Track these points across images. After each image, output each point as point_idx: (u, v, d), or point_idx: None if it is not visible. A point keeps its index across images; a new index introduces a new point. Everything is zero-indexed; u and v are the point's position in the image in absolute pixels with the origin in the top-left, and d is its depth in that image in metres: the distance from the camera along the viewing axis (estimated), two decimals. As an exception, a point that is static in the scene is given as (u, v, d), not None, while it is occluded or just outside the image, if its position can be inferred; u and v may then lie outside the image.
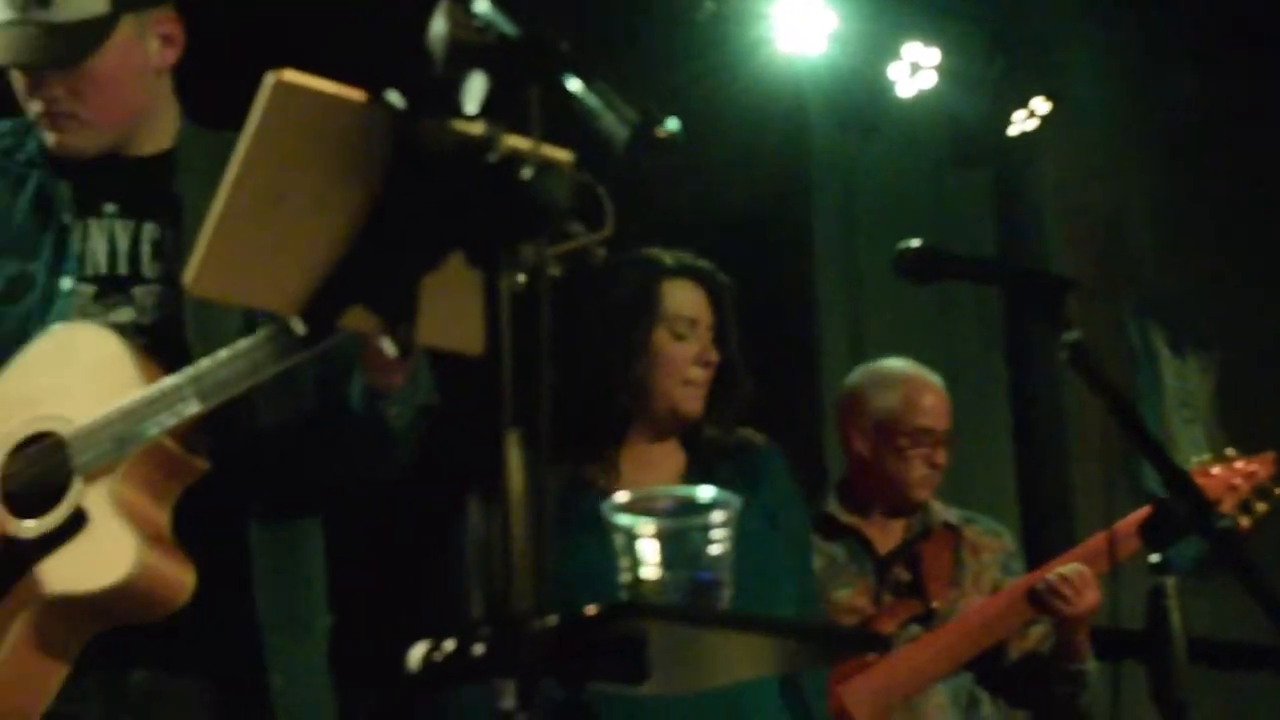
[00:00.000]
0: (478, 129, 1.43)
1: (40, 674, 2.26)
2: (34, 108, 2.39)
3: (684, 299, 2.84)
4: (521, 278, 1.41)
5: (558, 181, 1.42)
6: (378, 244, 1.50)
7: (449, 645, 1.34)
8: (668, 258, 2.88)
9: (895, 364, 3.58)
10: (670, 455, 2.86)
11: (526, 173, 1.41)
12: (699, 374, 2.82)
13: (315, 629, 2.49)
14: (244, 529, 2.37)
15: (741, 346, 2.89)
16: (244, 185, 1.57)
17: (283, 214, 1.57)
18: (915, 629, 3.37)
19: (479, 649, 1.31)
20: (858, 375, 3.61)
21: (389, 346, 1.61)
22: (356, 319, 1.58)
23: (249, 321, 2.32)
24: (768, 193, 4.95)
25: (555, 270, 1.51)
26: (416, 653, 1.37)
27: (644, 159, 1.46)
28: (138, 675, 2.35)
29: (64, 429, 2.25)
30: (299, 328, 1.67)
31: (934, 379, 3.52)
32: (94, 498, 2.22)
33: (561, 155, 1.57)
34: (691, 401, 2.82)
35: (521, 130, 1.45)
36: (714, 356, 2.83)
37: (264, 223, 1.59)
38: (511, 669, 1.28)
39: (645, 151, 1.45)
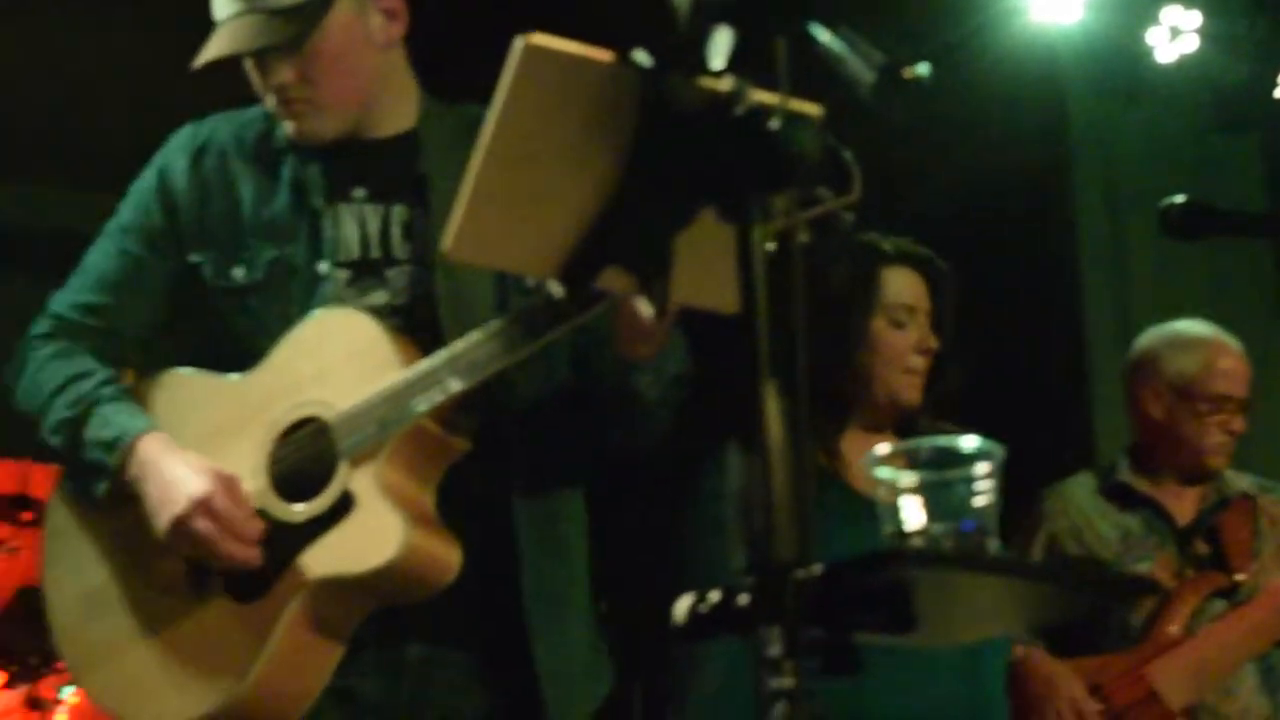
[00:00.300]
0: (724, 84, 1.42)
1: (317, 653, 2.31)
2: (269, 100, 2.43)
3: (903, 286, 2.81)
4: (771, 245, 1.40)
5: (805, 133, 1.40)
6: (630, 203, 1.49)
7: (714, 596, 1.33)
8: (886, 244, 2.84)
9: (1194, 326, 3.45)
10: None
11: (774, 123, 1.40)
12: (919, 362, 2.78)
13: (578, 600, 2.51)
14: (506, 505, 2.39)
15: (956, 335, 2.84)
16: (497, 150, 1.58)
17: (535, 177, 1.58)
18: (1219, 604, 3.26)
19: (743, 599, 1.30)
20: (1153, 337, 3.49)
21: (644, 306, 1.61)
22: (612, 279, 1.59)
23: (500, 300, 2.35)
24: (1026, 166, 4.87)
25: (804, 236, 1.50)
26: (682, 606, 1.36)
27: (893, 108, 1.43)
28: (414, 649, 2.39)
29: (327, 414, 2.30)
30: (556, 290, 1.68)
31: (1233, 343, 3.39)
32: (360, 481, 2.26)
33: (809, 109, 1.55)
34: (911, 390, 2.78)
35: (768, 85, 1.44)
36: (933, 344, 2.79)
37: (517, 187, 1.60)
38: (776, 617, 1.27)
39: (894, 98, 1.43)
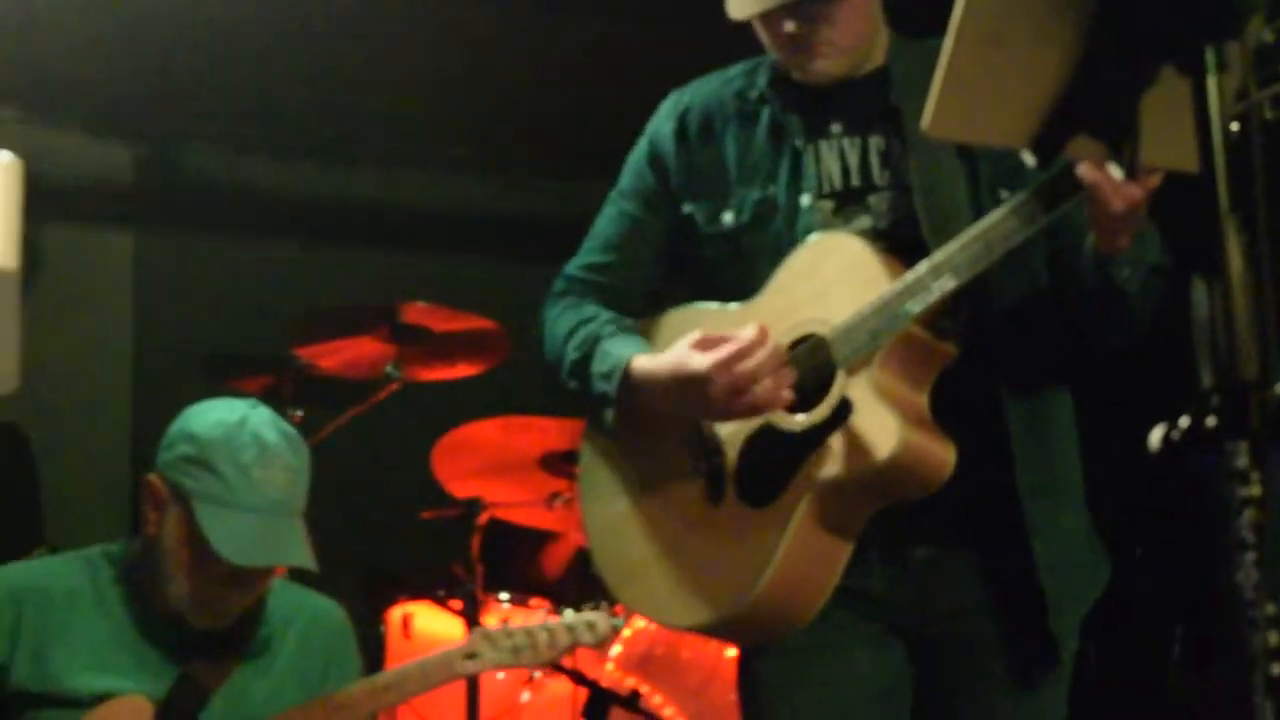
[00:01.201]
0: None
1: (827, 551, 2.47)
2: (788, 44, 2.56)
3: None
4: (1235, 125, 1.46)
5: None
6: (1095, 69, 1.57)
7: (1183, 420, 1.42)
8: None
9: None
10: None
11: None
12: None
13: (1072, 495, 2.59)
14: (998, 406, 2.49)
15: None
16: (966, 32, 1.69)
17: (1003, 53, 1.69)
18: None
19: (1210, 420, 1.38)
20: None
21: (1115, 171, 1.68)
22: (1082, 146, 1.67)
23: (976, 211, 2.44)
24: None
25: (1267, 114, 1.54)
26: (1156, 434, 1.45)
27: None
28: (918, 551, 2.53)
29: (823, 330, 2.45)
30: (1029, 160, 1.76)
31: None
32: (856, 387, 2.40)
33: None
34: None
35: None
36: None
37: (987, 64, 1.70)
38: (1243, 432, 1.35)
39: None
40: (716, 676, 4.40)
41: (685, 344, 2.46)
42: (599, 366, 2.59)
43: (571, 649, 3.00)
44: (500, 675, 4.27)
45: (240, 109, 5.49)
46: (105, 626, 2.96)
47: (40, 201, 5.49)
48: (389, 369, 4.42)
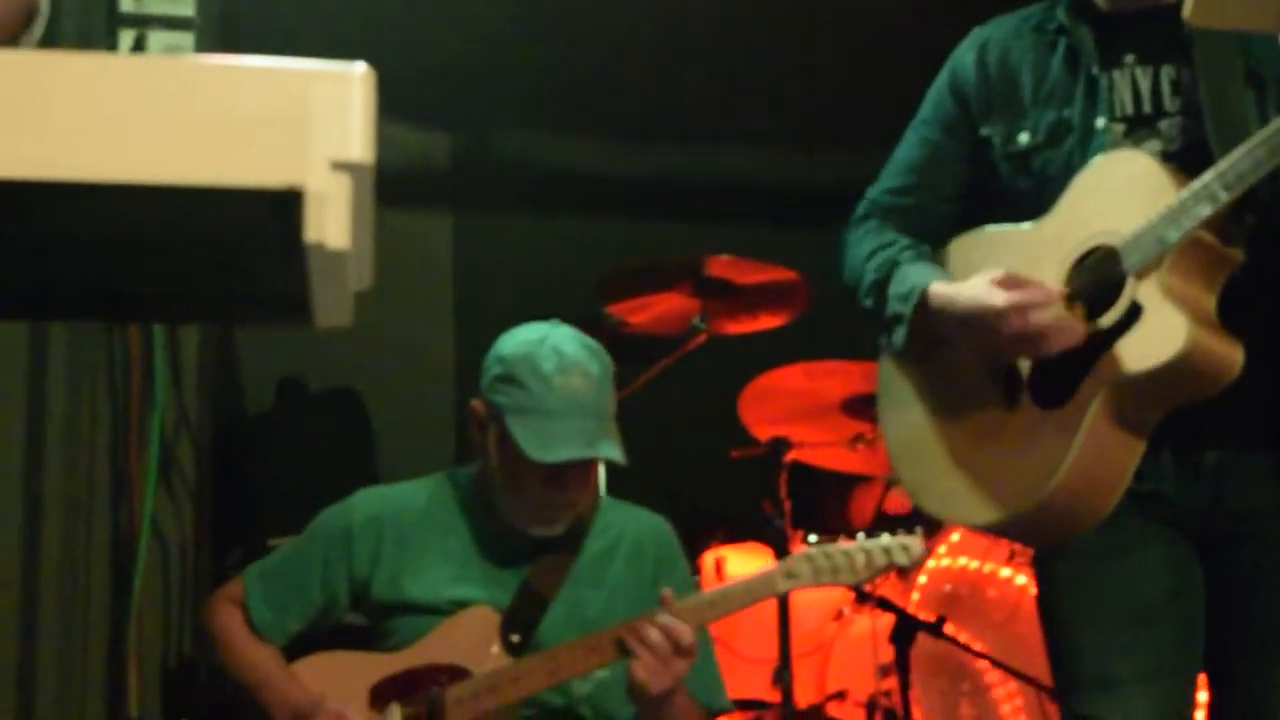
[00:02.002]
0: None
1: (1119, 449, 2.58)
2: None
3: None
4: None
5: None
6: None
7: None
8: None
9: None
10: None
11: None
12: None
13: None
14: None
15: None
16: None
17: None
18: None
19: None
20: None
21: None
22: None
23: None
24: None
25: None
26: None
27: None
28: (1210, 455, 2.63)
29: (1113, 240, 2.57)
30: None
31: None
32: (1145, 291, 2.52)
33: None
34: None
35: None
36: None
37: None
38: None
39: None
40: (1019, 612, 4.52)
41: (987, 279, 2.61)
42: (897, 289, 2.76)
43: (886, 570, 3.09)
44: (809, 609, 4.45)
45: (549, 91, 5.75)
46: (454, 542, 3.26)
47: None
48: (695, 322, 4.60)
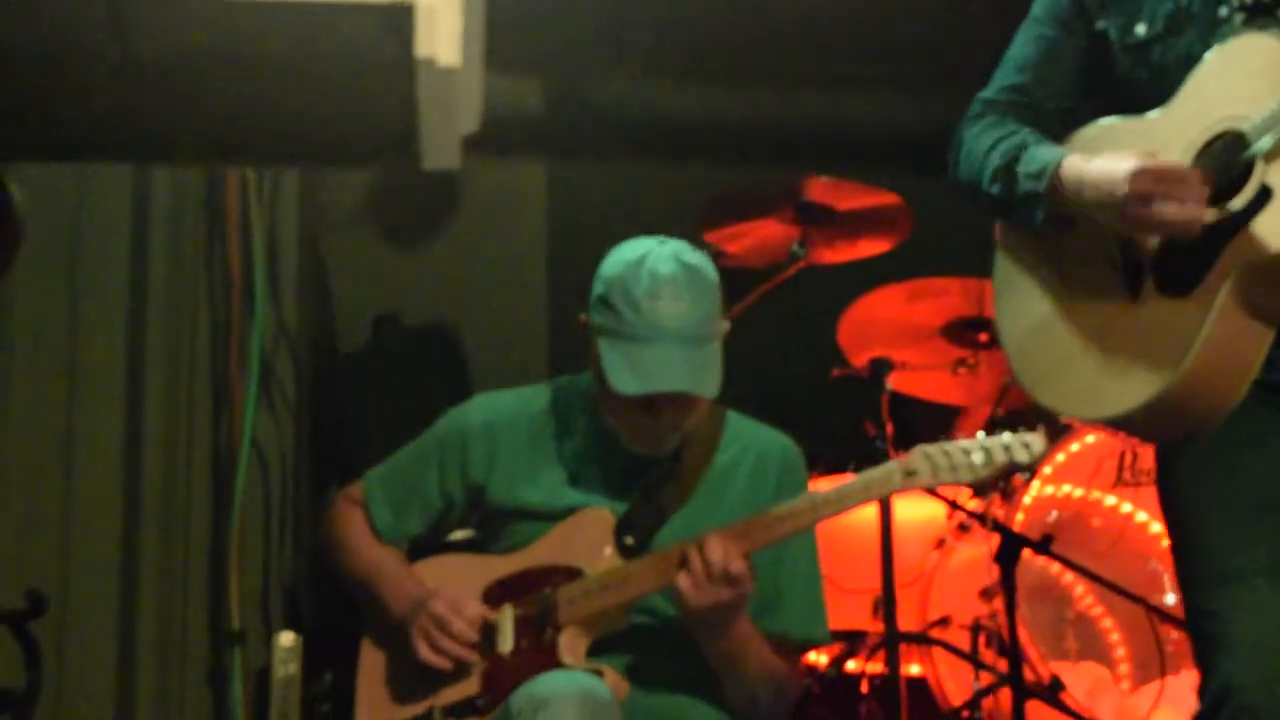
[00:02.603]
0: None
1: (1248, 337, 2.52)
2: None
3: None
4: None
5: None
6: None
7: None
8: None
9: None
10: None
11: None
12: None
13: None
14: None
15: None
16: None
17: None
18: None
19: None
20: None
21: None
22: None
23: None
24: None
25: None
26: None
27: None
28: None
29: (1240, 124, 2.50)
30: None
31: None
32: (1276, 173, 2.45)
33: None
34: None
35: None
36: None
37: None
38: None
39: None
40: (1124, 539, 4.44)
41: (1118, 153, 2.55)
42: (1027, 168, 2.69)
43: (1005, 468, 2.98)
44: (910, 540, 4.38)
45: (641, 38, 5.72)
46: (571, 447, 3.23)
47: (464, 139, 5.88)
48: (794, 248, 4.54)
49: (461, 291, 5.50)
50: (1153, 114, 2.67)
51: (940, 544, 4.59)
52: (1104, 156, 2.59)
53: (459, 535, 3.57)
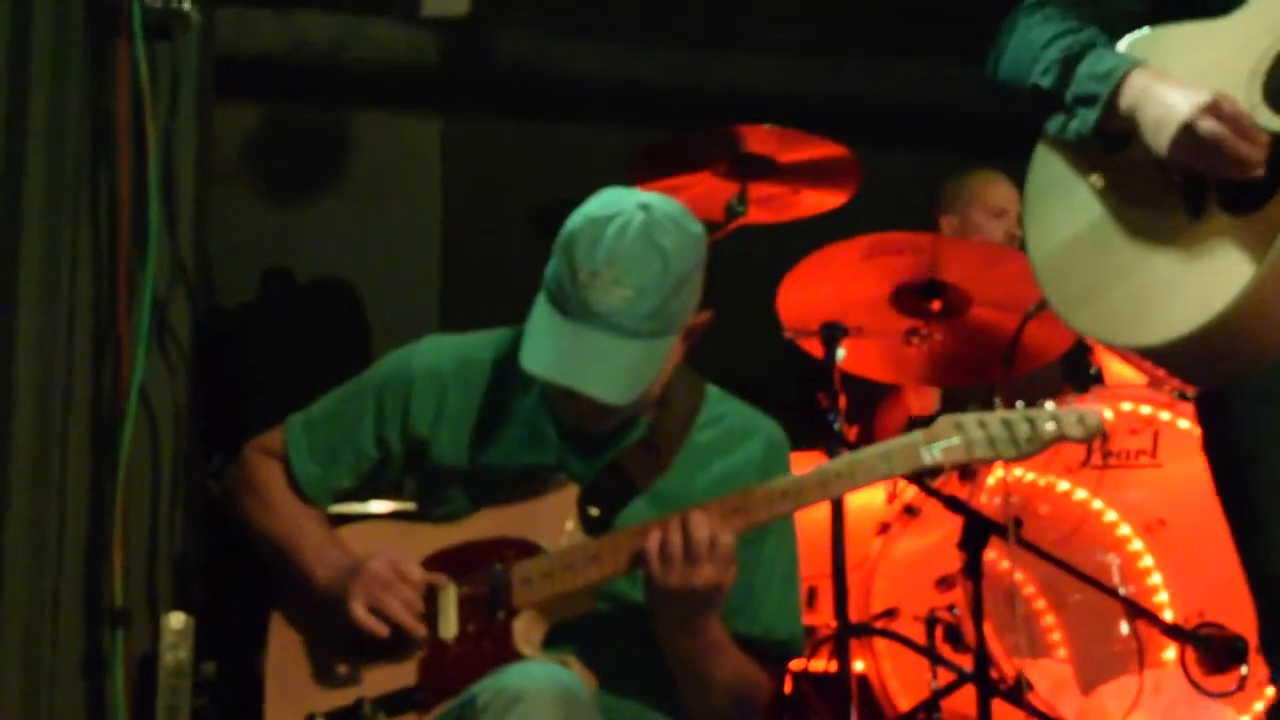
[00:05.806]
0: None
1: None
2: None
3: None
4: None
5: None
6: None
7: None
8: None
9: None
10: None
11: None
12: None
13: None
14: None
15: None
16: None
17: None
18: None
19: None
20: None
21: None
22: None
23: None
24: None
25: None
26: None
27: None
28: None
29: None
30: None
31: None
32: None
33: None
34: None
35: None
36: None
37: None
38: None
39: None
40: (1080, 532, 4.22)
41: (1196, 87, 2.41)
42: (1092, 68, 2.52)
43: (1052, 443, 2.63)
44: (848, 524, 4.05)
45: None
46: (528, 403, 2.83)
47: (352, 87, 5.60)
48: (732, 203, 4.24)
49: (353, 246, 5.47)
50: (1221, 20, 2.51)
51: (884, 529, 4.27)
52: (1180, 84, 2.44)
53: (379, 507, 3.17)
